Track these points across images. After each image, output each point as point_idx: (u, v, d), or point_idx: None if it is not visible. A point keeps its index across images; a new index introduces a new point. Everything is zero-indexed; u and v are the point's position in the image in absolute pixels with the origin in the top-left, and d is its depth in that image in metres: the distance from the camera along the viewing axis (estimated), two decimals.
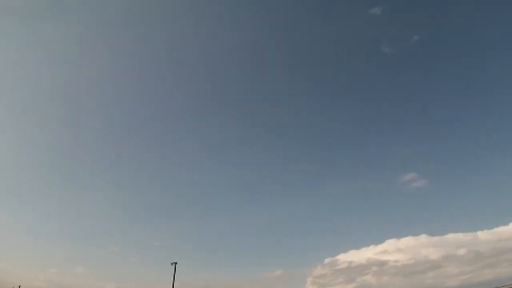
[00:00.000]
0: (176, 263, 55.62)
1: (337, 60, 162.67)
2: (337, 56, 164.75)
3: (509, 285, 68.32)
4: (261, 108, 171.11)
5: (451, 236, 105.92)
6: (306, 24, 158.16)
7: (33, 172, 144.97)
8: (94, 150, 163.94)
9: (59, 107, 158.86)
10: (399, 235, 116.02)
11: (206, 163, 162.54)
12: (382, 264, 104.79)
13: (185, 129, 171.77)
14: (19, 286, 68.23)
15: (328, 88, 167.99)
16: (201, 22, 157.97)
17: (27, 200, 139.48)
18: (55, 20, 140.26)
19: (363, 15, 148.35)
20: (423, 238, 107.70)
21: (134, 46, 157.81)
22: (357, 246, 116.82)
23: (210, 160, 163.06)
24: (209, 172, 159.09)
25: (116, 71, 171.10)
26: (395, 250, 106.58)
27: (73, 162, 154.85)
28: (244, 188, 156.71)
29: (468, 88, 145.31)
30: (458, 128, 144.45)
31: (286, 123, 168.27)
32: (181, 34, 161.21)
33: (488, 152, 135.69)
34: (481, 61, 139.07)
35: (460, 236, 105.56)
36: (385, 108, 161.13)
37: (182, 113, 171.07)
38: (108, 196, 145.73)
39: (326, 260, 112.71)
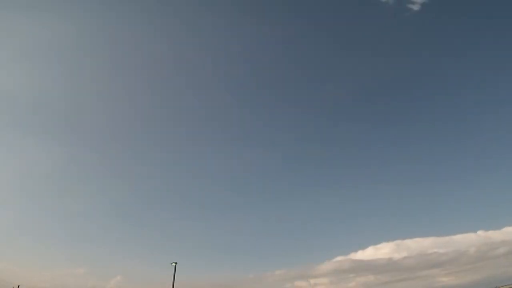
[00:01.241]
0: (176, 263, 55.46)
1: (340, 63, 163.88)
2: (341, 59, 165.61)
3: (509, 285, 68.28)
4: (265, 108, 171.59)
5: (458, 237, 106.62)
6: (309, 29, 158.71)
7: (35, 172, 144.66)
8: (96, 150, 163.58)
9: (61, 108, 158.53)
10: (404, 236, 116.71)
11: (209, 163, 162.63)
12: (381, 265, 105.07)
13: (186, 129, 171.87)
14: (18, 286, 67.94)
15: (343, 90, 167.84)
16: (211, 24, 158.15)
17: (29, 201, 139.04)
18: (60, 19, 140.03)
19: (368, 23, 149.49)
20: (431, 239, 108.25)
21: (145, 46, 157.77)
22: (355, 249, 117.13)
23: (213, 160, 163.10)
24: (211, 172, 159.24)
25: (121, 71, 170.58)
26: (396, 251, 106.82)
27: (76, 163, 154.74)
28: (246, 189, 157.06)
29: (472, 87, 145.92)
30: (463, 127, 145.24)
31: (291, 124, 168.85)
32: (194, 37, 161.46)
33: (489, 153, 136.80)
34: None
35: (467, 236, 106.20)
36: (391, 108, 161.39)
37: (182, 113, 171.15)
38: (109, 196, 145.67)
39: (326, 262, 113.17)
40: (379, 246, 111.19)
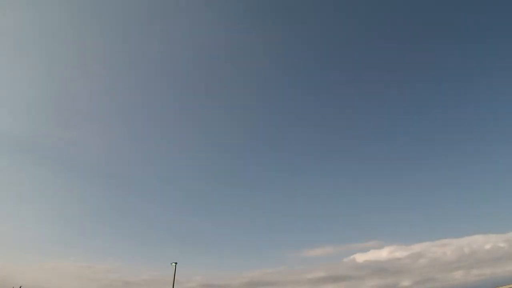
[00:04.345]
0: (176, 263, 55.79)
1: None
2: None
3: (509, 285, 68.02)
4: (269, 104, 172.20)
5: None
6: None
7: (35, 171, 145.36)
8: (95, 150, 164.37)
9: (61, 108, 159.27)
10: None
11: (217, 161, 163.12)
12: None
13: (185, 128, 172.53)
14: (20, 287, 68.13)
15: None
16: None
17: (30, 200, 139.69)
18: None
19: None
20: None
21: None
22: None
23: (219, 159, 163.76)
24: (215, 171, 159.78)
25: (122, 70, 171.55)
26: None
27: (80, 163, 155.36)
28: (247, 187, 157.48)
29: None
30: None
31: (295, 119, 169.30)
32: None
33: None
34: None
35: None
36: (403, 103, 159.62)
37: (180, 112, 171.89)
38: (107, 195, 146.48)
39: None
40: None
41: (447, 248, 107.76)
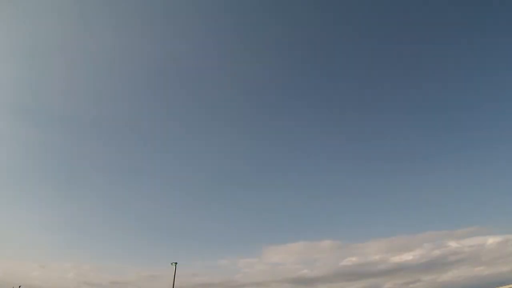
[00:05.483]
0: (176, 263, 55.81)
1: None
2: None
3: (509, 285, 68.02)
4: (271, 100, 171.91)
5: None
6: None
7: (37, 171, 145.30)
8: (94, 150, 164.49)
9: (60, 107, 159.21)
10: None
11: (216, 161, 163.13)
12: None
13: (185, 128, 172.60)
14: (20, 287, 68.15)
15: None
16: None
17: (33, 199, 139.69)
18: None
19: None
20: None
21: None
22: None
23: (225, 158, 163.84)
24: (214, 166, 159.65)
25: (123, 69, 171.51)
26: None
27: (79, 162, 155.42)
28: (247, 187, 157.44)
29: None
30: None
31: (297, 117, 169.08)
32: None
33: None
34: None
35: None
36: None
37: (178, 112, 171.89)
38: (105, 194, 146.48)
39: None
40: None
41: (448, 248, 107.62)
